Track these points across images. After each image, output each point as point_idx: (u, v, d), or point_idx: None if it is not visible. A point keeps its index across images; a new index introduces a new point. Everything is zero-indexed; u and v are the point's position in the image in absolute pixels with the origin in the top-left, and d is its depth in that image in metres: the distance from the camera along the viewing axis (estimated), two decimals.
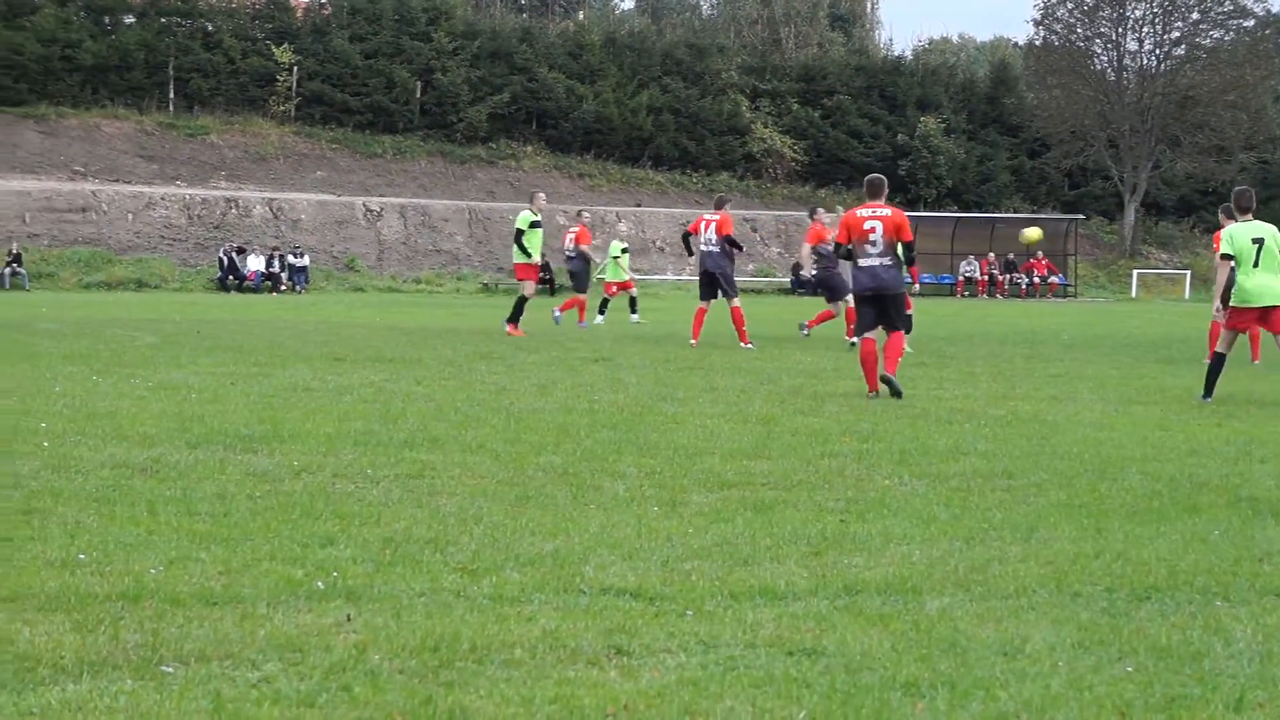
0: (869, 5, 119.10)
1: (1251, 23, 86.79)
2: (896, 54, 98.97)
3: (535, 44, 79.90)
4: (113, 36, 71.93)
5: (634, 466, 11.16)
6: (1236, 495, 10.40)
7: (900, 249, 17.65)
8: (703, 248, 25.84)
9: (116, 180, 65.39)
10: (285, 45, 73.83)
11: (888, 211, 17.70)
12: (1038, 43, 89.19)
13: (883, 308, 17.61)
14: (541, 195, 30.28)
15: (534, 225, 28.97)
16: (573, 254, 33.88)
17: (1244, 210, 17.60)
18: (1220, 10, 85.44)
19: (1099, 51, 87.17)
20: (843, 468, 11.39)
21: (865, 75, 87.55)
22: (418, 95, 75.40)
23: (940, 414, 15.29)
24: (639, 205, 73.48)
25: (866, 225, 17.60)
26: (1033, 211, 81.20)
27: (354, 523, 8.75)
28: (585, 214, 38.29)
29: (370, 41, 75.88)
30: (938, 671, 6.10)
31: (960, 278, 72.55)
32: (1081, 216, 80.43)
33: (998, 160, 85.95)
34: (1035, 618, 6.99)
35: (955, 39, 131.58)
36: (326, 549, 8.02)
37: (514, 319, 28.36)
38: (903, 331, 17.94)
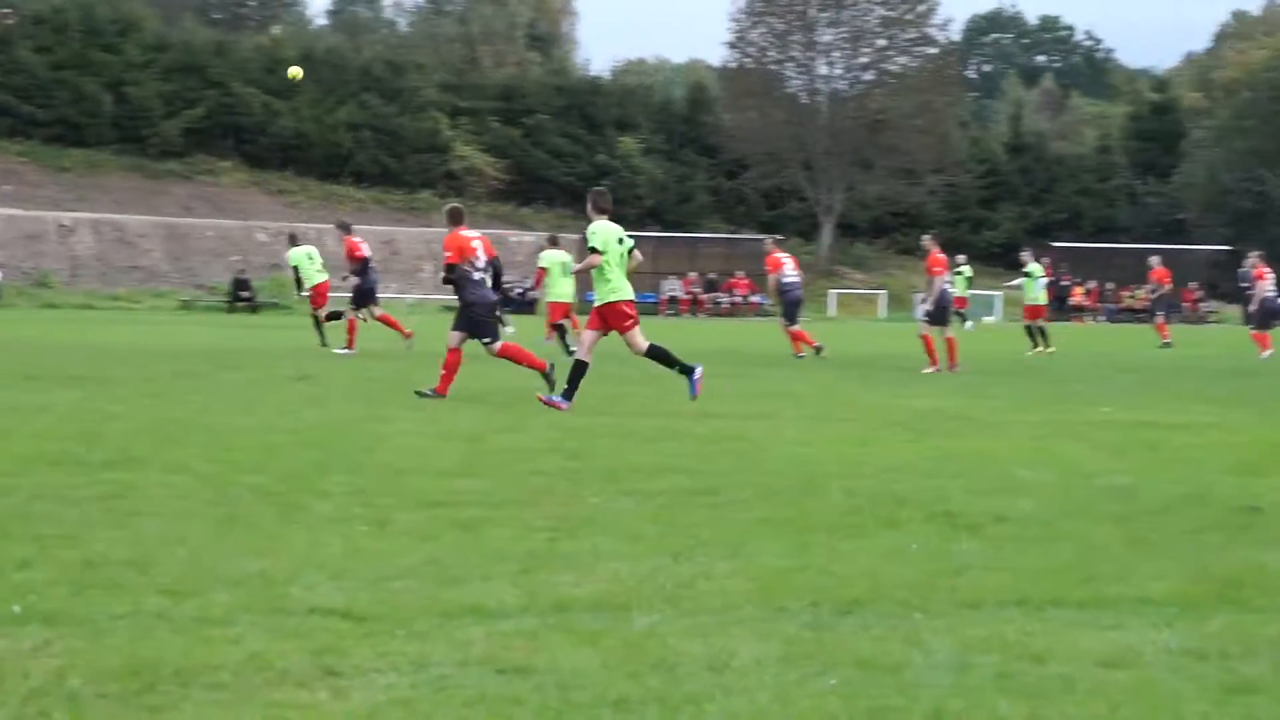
0: (566, 25, 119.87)
1: (935, 50, 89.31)
2: (594, 74, 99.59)
3: (229, 58, 78.74)
4: None
5: (340, 486, 11.03)
6: (933, 510, 10.63)
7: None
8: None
9: None
10: None
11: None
12: (732, 65, 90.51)
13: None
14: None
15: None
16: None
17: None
18: (906, 38, 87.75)
19: (791, 75, 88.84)
20: (550, 485, 11.39)
21: (565, 95, 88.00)
22: (108, 108, 73.67)
23: (646, 432, 15.39)
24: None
25: (472, 244, 19.81)
26: (731, 231, 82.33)
27: (51, 545, 8.50)
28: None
29: (57, 53, 73.98)
30: (647, 688, 6.13)
31: (663, 296, 73.23)
32: (779, 237, 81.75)
33: (696, 180, 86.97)
34: (742, 632, 7.06)
35: (651, 60, 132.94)
36: (22, 572, 7.78)
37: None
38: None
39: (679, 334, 45.32)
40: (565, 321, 30.95)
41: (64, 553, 8.32)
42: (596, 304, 18.44)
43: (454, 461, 12.63)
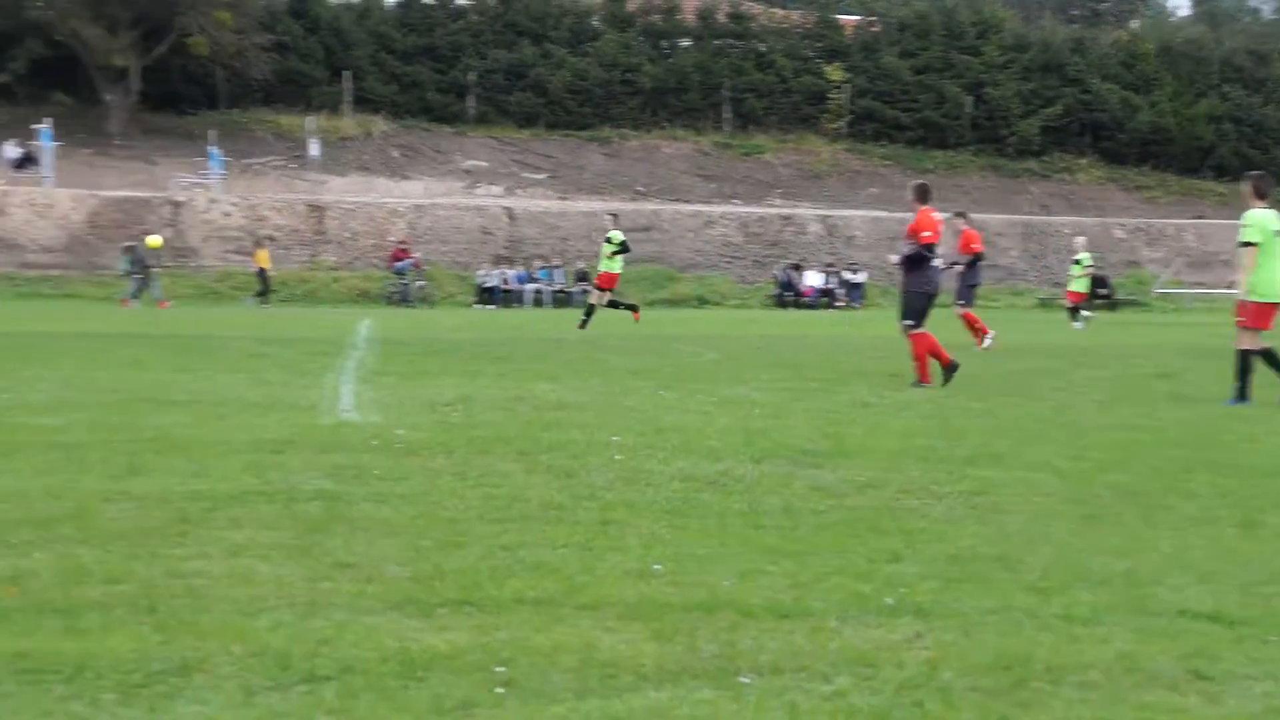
0: None
1: None
2: None
3: (1087, 55, 78.53)
4: (670, 60, 74.09)
5: (1206, 486, 10.81)
6: None
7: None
8: None
9: (676, 199, 67.20)
10: (836, 63, 74.64)
11: None
12: None
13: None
14: None
15: None
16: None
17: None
18: None
19: None
20: None
21: None
22: (968, 110, 74.98)
23: None
24: (1200, 217, 71.32)
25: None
26: None
27: (919, 539, 8.74)
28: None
29: (920, 57, 76.01)
30: None
31: None
32: None
33: None
34: None
35: None
36: (893, 565, 8.04)
37: None
38: None
39: None
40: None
41: (932, 547, 8.53)
42: (1242, 298, 17.44)
43: None
